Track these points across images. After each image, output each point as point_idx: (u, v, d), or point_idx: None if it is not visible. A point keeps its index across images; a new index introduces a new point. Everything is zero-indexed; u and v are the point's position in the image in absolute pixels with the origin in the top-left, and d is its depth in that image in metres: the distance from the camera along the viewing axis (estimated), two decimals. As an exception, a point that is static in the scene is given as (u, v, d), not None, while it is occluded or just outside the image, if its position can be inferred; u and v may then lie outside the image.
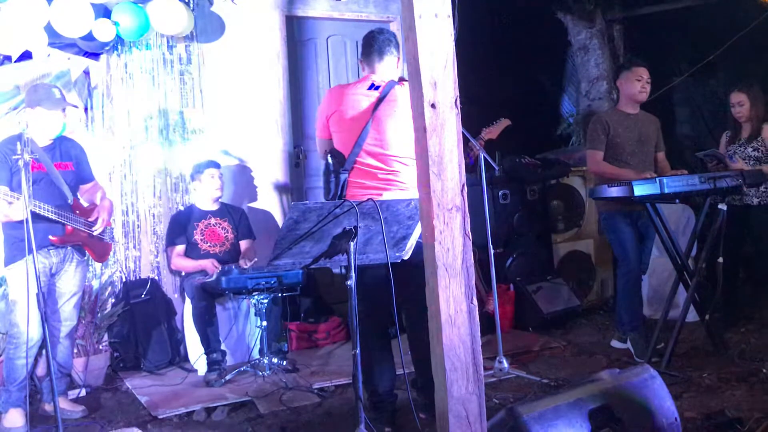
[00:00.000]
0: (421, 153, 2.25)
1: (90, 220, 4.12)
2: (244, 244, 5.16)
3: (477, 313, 2.30)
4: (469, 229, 2.28)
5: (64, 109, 4.04)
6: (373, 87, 3.65)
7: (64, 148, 4.13)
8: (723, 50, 6.79)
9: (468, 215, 2.28)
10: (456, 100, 2.24)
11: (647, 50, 7.18)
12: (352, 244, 3.11)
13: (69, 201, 4.03)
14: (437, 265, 2.22)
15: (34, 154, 3.62)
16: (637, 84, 4.75)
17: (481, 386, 2.28)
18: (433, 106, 2.21)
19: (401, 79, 3.68)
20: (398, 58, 3.73)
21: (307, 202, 3.04)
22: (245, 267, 4.82)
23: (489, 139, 5.01)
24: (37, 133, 3.98)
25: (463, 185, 2.26)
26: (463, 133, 4.49)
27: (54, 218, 3.87)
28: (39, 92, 4.01)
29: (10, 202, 3.72)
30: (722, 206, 4.48)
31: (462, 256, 2.25)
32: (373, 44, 3.71)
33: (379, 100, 3.59)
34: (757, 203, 5.05)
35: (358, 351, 3.14)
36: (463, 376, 2.24)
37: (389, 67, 3.71)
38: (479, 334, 2.32)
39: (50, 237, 3.92)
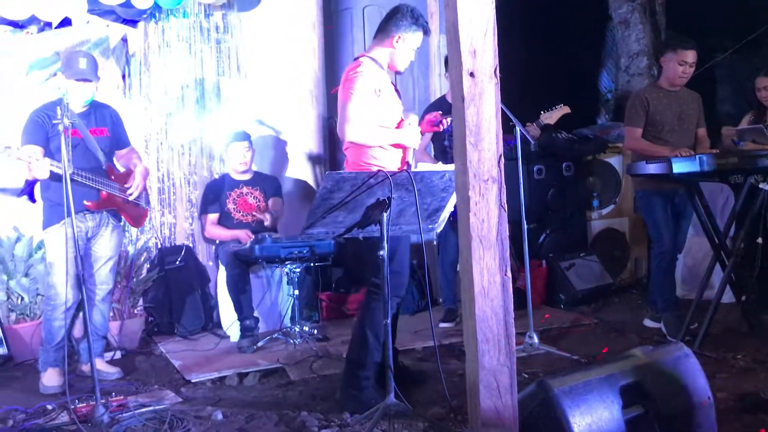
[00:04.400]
0: (458, 123, 2.23)
1: (125, 185, 4.17)
2: (272, 202, 5.18)
3: (510, 285, 2.29)
4: (505, 201, 2.26)
5: (88, 79, 3.99)
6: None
7: (99, 114, 4.16)
8: (765, 29, 6.61)
9: (504, 186, 2.26)
10: (496, 69, 2.22)
11: (690, 25, 7.03)
12: (385, 215, 3.12)
13: (103, 166, 4.08)
14: (472, 237, 2.21)
15: (73, 119, 3.66)
16: (679, 68, 4.61)
17: (513, 358, 2.28)
18: (471, 74, 2.19)
19: (356, 57, 3.65)
20: (399, 38, 3.56)
21: (342, 171, 3.03)
22: (264, 220, 4.90)
23: (547, 124, 4.93)
24: (69, 99, 3.98)
25: (500, 156, 2.24)
26: (502, 109, 4.49)
27: (88, 183, 3.92)
28: (68, 60, 4.03)
29: (31, 163, 3.73)
30: (764, 185, 4.38)
31: (497, 228, 2.24)
32: (380, 22, 3.67)
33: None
34: None
35: (389, 320, 3.16)
36: (495, 347, 2.24)
37: (380, 48, 3.61)
38: (512, 307, 2.31)
39: (85, 202, 3.96)
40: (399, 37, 3.54)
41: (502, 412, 2.25)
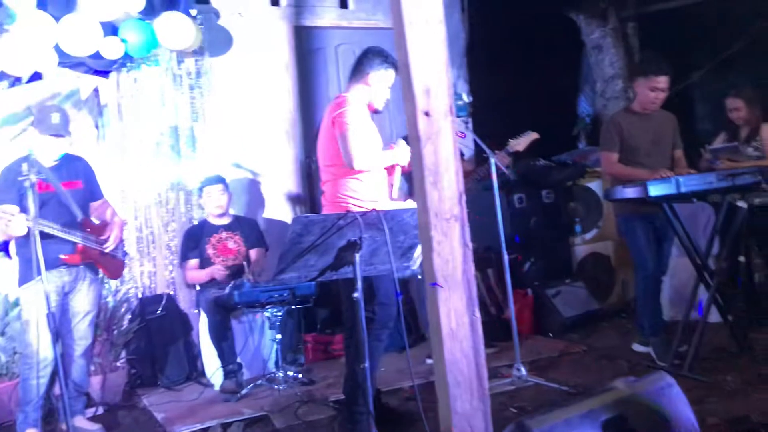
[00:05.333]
0: (416, 162, 2.20)
1: (101, 237, 4.12)
2: (253, 254, 5.14)
3: (480, 325, 2.24)
4: (469, 239, 2.22)
5: (61, 135, 3.97)
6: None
7: (71, 167, 4.13)
8: (741, 45, 6.66)
9: (467, 225, 2.22)
10: (451, 107, 2.19)
11: (663, 47, 7.07)
12: (357, 255, 3.08)
13: (79, 219, 4.03)
14: (436, 278, 2.16)
15: (41, 174, 3.62)
16: (651, 94, 4.59)
17: (486, 401, 2.22)
18: (426, 114, 2.16)
19: (337, 96, 3.79)
20: (369, 77, 3.73)
21: (309, 214, 2.99)
22: (250, 278, 4.82)
23: (516, 151, 4.93)
24: (40, 154, 3.96)
25: (461, 194, 2.21)
26: (477, 143, 4.47)
27: (62, 236, 3.87)
28: (40, 115, 4.01)
29: (9, 220, 3.69)
30: (742, 204, 4.37)
31: (462, 267, 2.20)
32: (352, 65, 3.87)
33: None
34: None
35: (367, 365, 3.10)
36: (467, 390, 2.18)
37: (356, 88, 3.77)
38: (483, 347, 2.26)
39: (61, 256, 3.92)
40: (372, 76, 3.72)
41: (479, 457, 2.19)
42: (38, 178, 3.53)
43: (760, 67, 6.56)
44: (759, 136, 4.99)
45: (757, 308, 5.14)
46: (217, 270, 4.90)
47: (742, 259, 4.48)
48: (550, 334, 5.44)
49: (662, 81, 4.57)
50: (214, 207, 5.06)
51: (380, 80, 3.73)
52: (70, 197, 4.01)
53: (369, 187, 3.64)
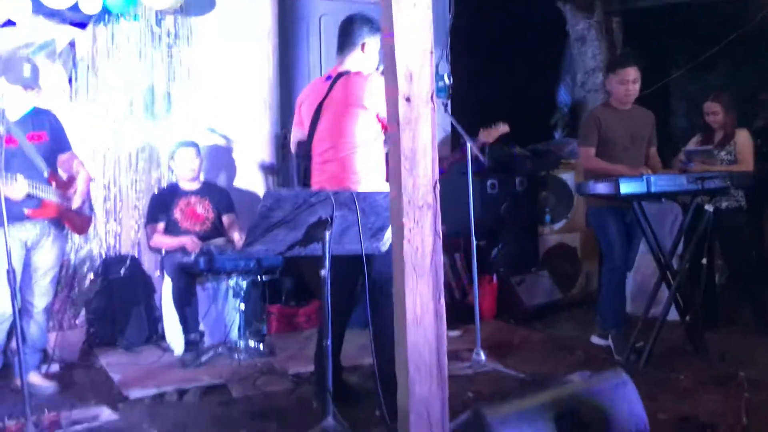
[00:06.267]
0: (393, 148, 2.19)
1: (68, 193, 4.05)
2: (226, 219, 5.09)
3: (444, 312, 2.25)
4: (440, 228, 2.23)
5: (31, 87, 3.88)
6: (328, 78, 3.69)
7: (37, 120, 4.03)
8: (721, 46, 6.73)
9: (439, 213, 2.23)
10: (432, 94, 2.18)
11: (646, 44, 7.11)
12: (327, 233, 3.07)
13: (45, 174, 3.94)
14: (405, 264, 2.16)
15: (8, 126, 3.54)
16: (622, 88, 4.68)
17: (445, 387, 2.24)
18: (408, 99, 2.15)
19: (356, 73, 3.62)
20: (364, 45, 3.65)
21: (281, 190, 2.97)
22: (237, 241, 4.80)
23: (484, 142, 4.94)
24: (7, 105, 3.82)
25: (436, 182, 2.21)
26: (454, 126, 4.45)
27: (30, 191, 3.78)
28: (10, 64, 3.90)
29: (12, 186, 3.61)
30: (708, 207, 4.44)
31: (431, 255, 2.20)
32: (339, 35, 3.73)
33: (328, 92, 3.60)
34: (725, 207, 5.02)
35: (329, 342, 3.11)
36: (427, 377, 2.19)
37: (352, 58, 3.68)
38: (445, 335, 2.27)
39: (25, 210, 3.84)
40: (364, 44, 3.66)
41: (434, 441, 2.21)
42: (5, 130, 3.44)
43: (740, 70, 6.64)
44: (733, 141, 5.06)
45: (715, 310, 5.25)
46: (191, 240, 4.82)
47: (704, 261, 4.55)
48: (512, 321, 5.50)
49: (631, 72, 4.67)
50: (186, 171, 4.99)
51: (372, 47, 3.65)
52: (35, 151, 3.92)
53: (376, 175, 3.58)
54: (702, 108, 5.24)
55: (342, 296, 3.58)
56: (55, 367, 4.43)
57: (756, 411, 3.51)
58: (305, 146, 3.67)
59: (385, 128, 3.53)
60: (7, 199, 3.44)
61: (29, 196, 3.80)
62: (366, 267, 3.12)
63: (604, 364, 4.30)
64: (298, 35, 5.97)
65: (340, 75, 3.64)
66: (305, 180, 3.65)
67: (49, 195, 3.92)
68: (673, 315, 4.67)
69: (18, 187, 3.62)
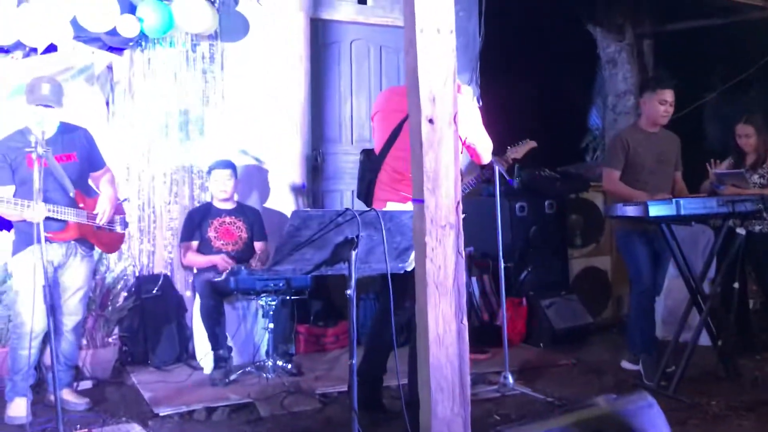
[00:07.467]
0: (416, 168, 2.22)
1: (95, 212, 4.07)
2: (259, 246, 5.17)
3: (466, 333, 2.26)
4: (463, 247, 2.25)
5: (50, 105, 3.85)
6: None
7: (68, 139, 4.05)
8: (756, 68, 6.67)
9: (462, 233, 2.25)
10: (455, 116, 2.21)
11: (677, 66, 7.08)
12: (353, 253, 3.10)
13: (71, 194, 3.95)
14: (427, 283, 2.19)
15: (40, 147, 3.59)
16: (660, 108, 4.66)
17: (467, 407, 2.25)
18: (431, 121, 2.19)
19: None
20: None
21: (309, 209, 3.02)
22: (256, 268, 4.84)
23: (513, 158, 4.96)
24: (34, 126, 3.83)
25: (458, 202, 2.23)
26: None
27: (52, 216, 3.80)
28: (31, 87, 3.87)
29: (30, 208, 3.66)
30: (741, 230, 4.39)
31: (454, 275, 2.23)
32: None
33: None
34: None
35: (354, 361, 3.12)
36: (449, 396, 2.20)
37: None
38: (468, 355, 2.29)
39: (48, 234, 3.73)
40: None
41: (456, 462, 2.22)
42: (32, 151, 3.46)
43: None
44: (766, 164, 5.01)
45: (748, 335, 5.16)
46: (222, 259, 4.89)
47: (736, 285, 4.49)
48: (541, 345, 5.46)
49: (668, 94, 4.66)
50: (221, 191, 5.08)
51: None
52: (62, 171, 3.92)
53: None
54: (734, 130, 5.19)
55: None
56: (87, 384, 4.51)
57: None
58: (376, 160, 3.62)
59: (466, 151, 3.57)
60: (30, 223, 3.52)
61: (49, 218, 3.79)
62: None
63: (633, 388, 4.25)
64: (329, 59, 6.06)
65: None
66: (366, 196, 3.63)
67: (70, 216, 3.94)
68: (705, 340, 4.61)
69: (38, 210, 3.62)
